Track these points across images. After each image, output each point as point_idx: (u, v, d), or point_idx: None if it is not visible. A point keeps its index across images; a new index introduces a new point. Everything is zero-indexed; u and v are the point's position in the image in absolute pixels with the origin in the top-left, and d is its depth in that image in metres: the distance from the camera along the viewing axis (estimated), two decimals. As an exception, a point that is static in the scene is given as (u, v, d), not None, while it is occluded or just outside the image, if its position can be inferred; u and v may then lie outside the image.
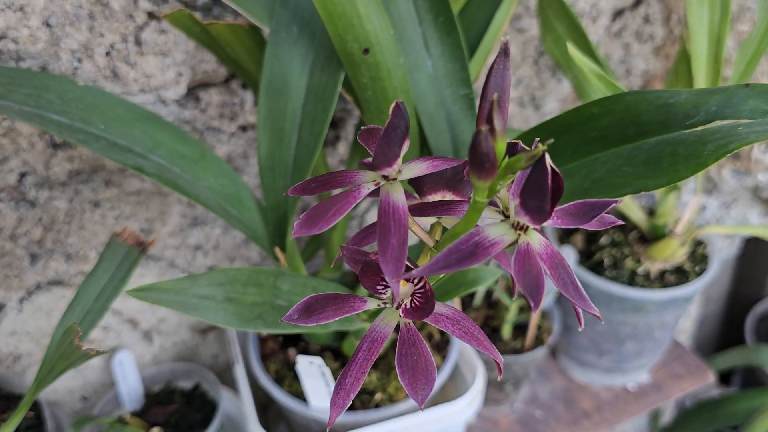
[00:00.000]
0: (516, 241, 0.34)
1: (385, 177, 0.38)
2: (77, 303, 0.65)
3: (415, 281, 0.41)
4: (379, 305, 0.43)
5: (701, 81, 0.80)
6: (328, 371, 0.68)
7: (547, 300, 0.93)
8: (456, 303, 0.90)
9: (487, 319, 0.92)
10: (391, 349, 0.78)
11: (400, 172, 0.38)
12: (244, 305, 0.56)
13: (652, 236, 0.90)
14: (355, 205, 0.37)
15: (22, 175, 0.72)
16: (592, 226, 0.41)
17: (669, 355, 1.06)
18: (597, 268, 0.91)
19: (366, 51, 0.59)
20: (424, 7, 0.62)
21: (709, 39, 0.80)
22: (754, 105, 0.41)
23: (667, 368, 1.04)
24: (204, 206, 0.63)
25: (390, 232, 0.36)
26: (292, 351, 0.78)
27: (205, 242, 0.86)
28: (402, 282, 0.41)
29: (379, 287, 0.42)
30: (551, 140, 0.32)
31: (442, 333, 0.81)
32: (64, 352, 0.57)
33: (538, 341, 0.90)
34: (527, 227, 0.35)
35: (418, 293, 0.41)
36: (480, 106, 0.35)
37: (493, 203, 0.39)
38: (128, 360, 0.83)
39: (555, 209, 0.36)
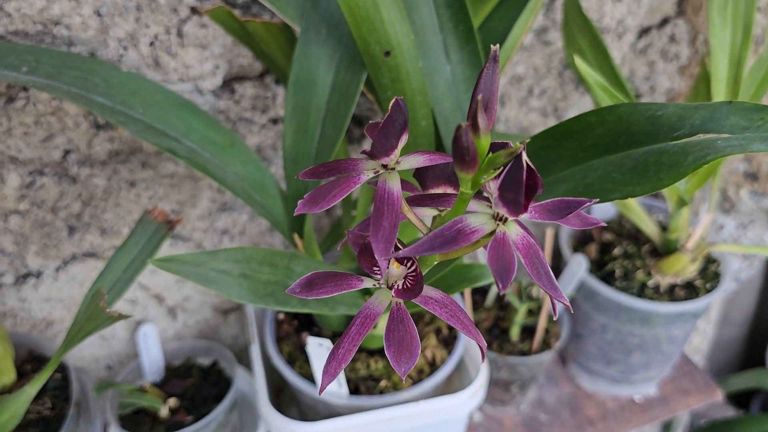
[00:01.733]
0: (494, 231, 0.38)
1: (384, 166, 0.42)
2: (108, 272, 0.70)
3: (408, 264, 0.44)
4: (374, 285, 0.46)
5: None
6: (335, 354, 0.72)
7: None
8: (468, 303, 0.93)
9: (498, 320, 0.95)
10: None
11: (398, 162, 0.42)
12: (258, 282, 0.61)
13: (665, 250, 0.92)
14: (354, 188, 0.41)
15: (66, 153, 0.77)
16: (574, 224, 0.44)
17: (678, 370, 1.08)
18: (608, 278, 0.93)
19: (387, 53, 0.63)
20: (445, 15, 0.66)
21: (730, 61, 0.82)
22: (734, 121, 0.44)
23: (675, 383, 1.06)
24: (230, 190, 0.68)
25: (383, 215, 0.40)
26: (305, 334, 0.82)
27: (232, 227, 0.90)
28: (396, 264, 0.45)
29: (375, 268, 0.45)
30: (528, 139, 0.35)
31: (450, 328, 0.84)
32: (91, 314, 0.62)
33: (546, 345, 0.92)
34: (506, 218, 0.38)
35: (410, 275, 0.45)
36: (470, 106, 0.39)
37: (485, 198, 0.42)
38: (152, 333, 0.88)
39: (534, 204, 0.39)
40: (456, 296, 0.87)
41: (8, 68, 0.64)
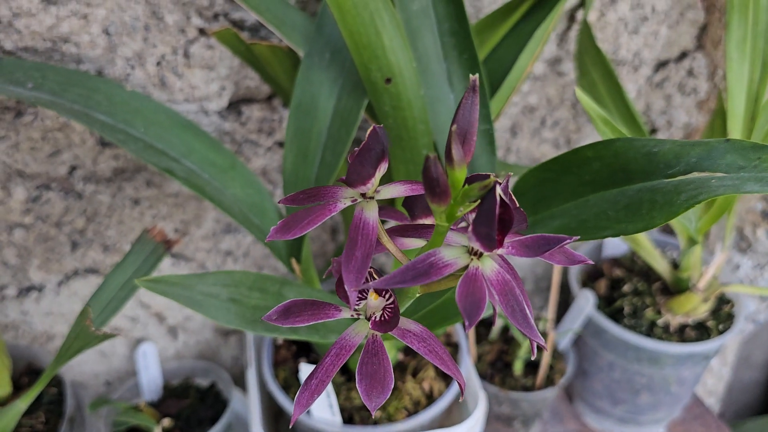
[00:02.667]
0: (468, 266, 0.37)
1: (363, 195, 0.41)
2: (104, 289, 0.70)
3: (386, 296, 0.43)
4: (352, 315, 0.45)
5: (736, 138, 0.80)
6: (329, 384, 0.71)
7: (563, 341, 0.93)
8: (470, 335, 0.91)
9: (501, 353, 0.93)
10: (397, 370, 0.80)
11: (378, 191, 0.41)
12: (247, 307, 0.60)
13: (676, 289, 0.90)
14: (329, 216, 0.40)
15: (73, 168, 0.78)
16: (559, 262, 0.43)
17: (689, 412, 1.04)
18: (616, 316, 0.91)
19: (388, 81, 0.63)
20: (450, 43, 0.65)
21: (747, 97, 0.80)
22: (731, 160, 0.42)
23: (685, 426, 1.02)
24: (226, 212, 0.67)
25: (356, 245, 0.39)
26: (301, 360, 0.81)
27: (236, 249, 0.90)
28: (374, 296, 0.44)
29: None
30: (511, 174, 0.34)
31: (450, 360, 0.83)
32: (80, 332, 0.62)
33: (550, 381, 0.90)
34: (481, 253, 0.37)
35: (388, 307, 0.43)
36: (448, 137, 0.38)
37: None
38: (151, 352, 0.87)
39: (512, 240, 0.38)
40: (458, 327, 0.85)
41: (14, 84, 0.65)
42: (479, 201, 0.36)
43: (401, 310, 0.49)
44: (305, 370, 0.71)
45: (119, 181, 0.80)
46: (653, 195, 0.45)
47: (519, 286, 0.39)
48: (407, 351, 0.82)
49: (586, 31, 0.81)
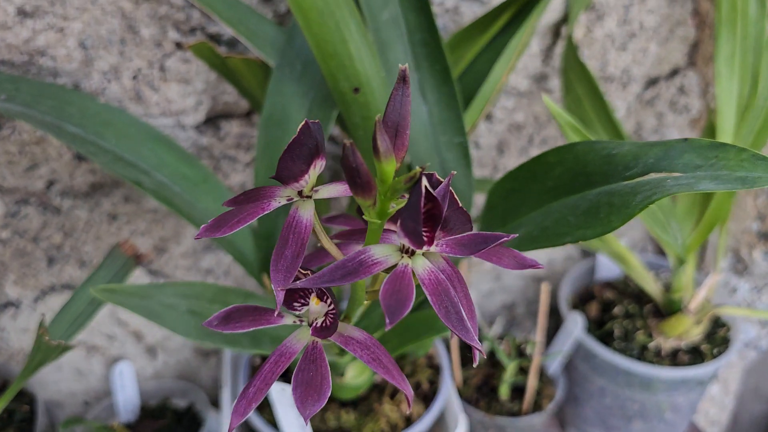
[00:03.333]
0: (397, 264, 0.35)
1: (300, 194, 0.39)
2: (72, 303, 0.69)
3: (327, 301, 0.41)
4: (294, 322, 0.44)
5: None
6: (298, 401, 0.69)
7: (553, 366, 0.90)
8: (455, 358, 0.89)
9: (488, 377, 0.90)
10: (374, 391, 0.78)
11: (316, 191, 0.40)
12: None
13: (668, 311, 0.87)
14: (260, 215, 0.38)
15: (50, 183, 0.77)
16: (508, 265, 0.41)
17: (688, 443, 1.00)
18: (607, 339, 0.88)
19: (356, 90, 0.62)
20: (422, 54, 0.65)
21: (737, 112, 0.78)
22: (688, 159, 0.40)
23: (684, 457, 0.98)
24: (196, 226, 0.66)
25: (287, 244, 0.37)
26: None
27: (217, 267, 0.89)
28: (315, 301, 0.42)
29: (296, 304, 0.43)
30: (428, 164, 0.33)
31: (431, 383, 0.80)
32: (39, 345, 0.60)
33: (538, 406, 0.87)
34: (413, 251, 0.35)
35: (330, 313, 0.42)
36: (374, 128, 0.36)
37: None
38: (128, 371, 0.86)
39: (448, 238, 0.36)
40: (441, 348, 0.83)
41: (-14, 95, 0.65)
42: (406, 197, 0.35)
43: (353, 320, 0.48)
44: (275, 387, 0.69)
45: (97, 196, 0.80)
46: (611, 198, 0.43)
47: (459, 287, 0.38)
48: (387, 372, 0.80)
49: (570, 46, 0.80)
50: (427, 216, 0.33)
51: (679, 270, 0.81)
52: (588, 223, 0.44)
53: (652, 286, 0.86)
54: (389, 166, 0.34)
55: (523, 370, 0.88)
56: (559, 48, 0.85)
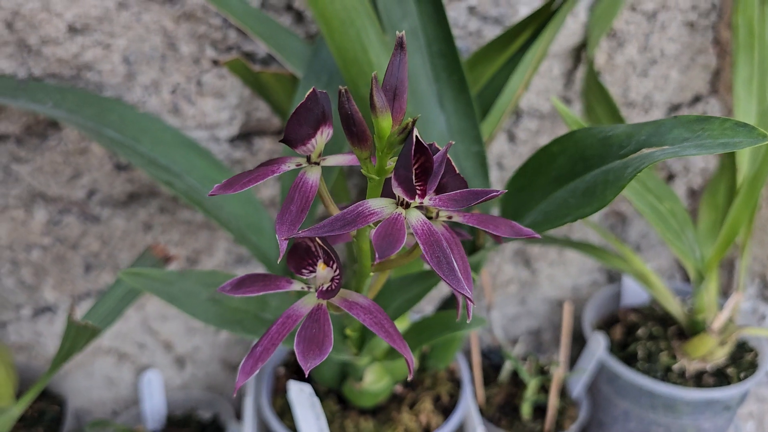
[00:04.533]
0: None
1: (308, 160, 0.42)
2: (105, 301, 0.72)
3: (333, 266, 0.44)
4: (303, 288, 0.46)
5: (743, 176, 0.78)
6: (317, 402, 0.70)
7: (576, 388, 0.90)
8: (477, 376, 0.89)
9: (510, 396, 0.89)
10: (394, 401, 0.79)
11: (323, 159, 0.43)
12: (227, 309, 0.61)
13: (691, 332, 0.86)
14: (271, 177, 0.41)
15: (91, 193, 0.82)
16: (504, 232, 0.43)
17: (720, 477, 0.97)
18: (630, 360, 0.87)
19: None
20: (440, 65, 0.68)
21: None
22: (677, 134, 0.42)
23: (715, 491, 0.95)
24: (224, 227, 0.70)
25: (293, 201, 0.40)
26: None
27: (246, 280, 0.92)
28: (322, 266, 0.44)
29: (304, 270, 0.45)
30: (419, 115, 0.35)
31: (451, 395, 0.81)
32: (68, 329, 0.63)
33: (560, 426, 0.86)
34: (408, 204, 0.38)
35: (336, 279, 0.44)
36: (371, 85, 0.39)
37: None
38: (156, 380, 0.88)
39: (442, 196, 0.39)
40: (462, 363, 0.83)
41: (35, 102, 0.70)
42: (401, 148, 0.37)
43: (363, 291, 0.50)
44: (294, 388, 0.71)
45: (134, 206, 0.84)
46: (606, 176, 0.45)
47: (456, 250, 0.40)
48: (405, 384, 0.81)
49: (590, 69, 0.82)
50: (419, 169, 0.36)
51: (700, 288, 0.81)
52: (586, 202, 0.46)
53: (675, 307, 0.86)
54: (386, 122, 0.37)
55: (546, 391, 0.88)
56: (580, 72, 0.88)
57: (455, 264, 0.37)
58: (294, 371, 0.84)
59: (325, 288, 0.43)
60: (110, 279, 0.86)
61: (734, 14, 0.82)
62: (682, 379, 0.84)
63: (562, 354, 0.88)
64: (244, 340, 0.95)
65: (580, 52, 0.86)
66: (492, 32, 0.81)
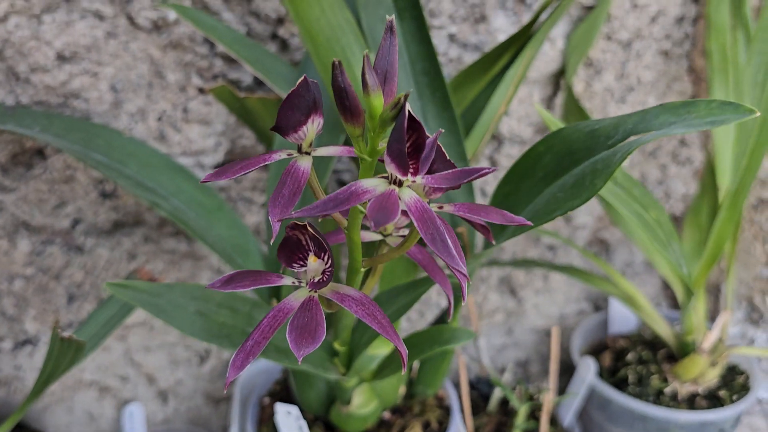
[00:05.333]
0: (386, 192, 0.37)
1: (299, 149, 0.42)
2: (88, 325, 0.70)
3: (324, 258, 0.43)
4: (294, 283, 0.45)
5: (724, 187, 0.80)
6: (304, 424, 0.68)
7: (567, 416, 0.88)
8: (466, 405, 0.87)
9: (500, 425, 0.88)
10: (382, 427, 0.77)
11: (314, 149, 0.43)
12: (214, 323, 0.60)
13: (681, 354, 0.86)
14: (262, 165, 0.41)
15: (76, 222, 0.81)
16: (496, 219, 0.43)
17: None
18: (621, 385, 0.86)
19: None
20: (423, 82, 0.69)
21: (734, 153, 0.81)
22: (664, 119, 0.43)
23: None
24: (210, 248, 0.69)
25: (285, 185, 0.40)
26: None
27: (231, 312, 0.90)
28: (313, 258, 0.44)
29: (295, 264, 0.45)
30: (410, 90, 0.36)
31: (440, 423, 0.79)
32: (52, 347, 0.62)
33: (552, 456, 0.84)
34: (401, 182, 0.38)
35: (327, 271, 0.43)
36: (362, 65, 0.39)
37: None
38: (139, 413, 0.86)
39: (435, 174, 0.39)
40: (451, 390, 0.82)
41: (24, 127, 0.70)
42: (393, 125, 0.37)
43: (357, 287, 0.49)
44: (281, 410, 0.69)
45: (118, 235, 0.83)
46: (594, 166, 0.46)
47: (446, 229, 0.40)
48: (394, 410, 0.79)
49: (569, 94, 0.84)
50: (412, 145, 0.36)
51: (688, 307, 0.81)
52: (575, 194, 0.47)
53: (664, 329, 0.86)
54: (377, 100, 0.37)
55: (536, 419, 0.87)
56: (560, 99, 0.90)
57: (449, 241, 0.37)
58: (279, 400, 0.82)
59: (316, 280, 0.43)
60: (93, 309, 0.84)
61: (707, 40, 0.85)
62: (675, 402, 0.83)
63: (551, 380, 0.87)
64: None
65: (558, 79, 0.89)
66: (472, 59, 0.84)
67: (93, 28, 0.74)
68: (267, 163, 0.42)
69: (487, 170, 0.38)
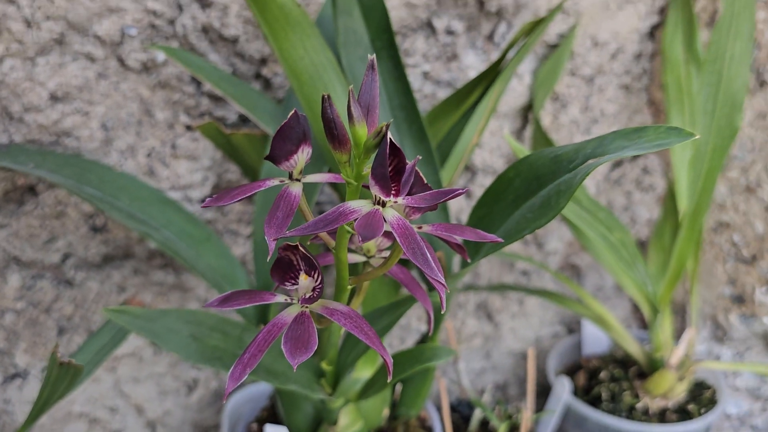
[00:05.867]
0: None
1: (290, 176, 0.46)
2: (82, 352, 0.73)
3: (315, 276, 0.47)
4: (286, 300, 0.49)
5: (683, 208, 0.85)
6: (293, 445, 0.71)
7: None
8: (447, 426, 0.90)
9: (481, 446, 0.91)
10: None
11: (304, 177, 0.47)
12: (207, 346, 0.63)
13: (651, 371, 0.90)
14: (256, 192, 0.45)
15: (66, 256, 0.84)
16: (470, 236, 0.47)
17: None
18: (595, 403, 0.90)
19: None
20: (401, 116, 0.74)
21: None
22: (618, 144, 0.48)
23: None
24: (201, 277, 0.73)
25: (279, 208, 0.44)
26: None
27: (218, 342, 0.93)
28: (304, 276, 0.48)
29: (287, 283, 0.48)
30: (391, 120, 0.40)
31: (421, 442, 0.82)
32: (50, 370, 0.64)
33: (532, 473, 0.87)
34: (384, 203, 0.42)
35: (317, 288, 0.47)
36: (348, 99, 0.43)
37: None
38: (128, 444, 0.87)
39: (414, 195, 0.43)
40: (433, 412, 0.85)
41: (17, 163, 0.74)
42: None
43: (347, 303, 0.53)
44: (271, 431, 0.72)
45: (108, 268, 0.86)
46: (558, 187, 0.50)
47: (424, 242, 0.44)
48: (379, 431, 0.82)
49: (537, 125, 0.89)
50: (393, 169, 0.40)
51: (655, 325, 0.86)
52: (542, 213, 0.51)
53: (634, 347, 0.90)
54: (362, 130, 0.41)
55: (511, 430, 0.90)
56: (528, 131, 0.95)
57: (428, 255, 0.41)
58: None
59: (307, 296, 0.47)
60: (83, 341, 0.86)
61: (664, 74, 0.91)
62: (646, 416, 0.87)
63: (529, 400, 0.91)
64: (217, 403, 0.95)
65: (527, 113, 0.94)
66: (445, 94, 0.89)
67: (85, 69, 0.78)
68: (262, 189, 0.45)
69: (460, 191, 0.42)
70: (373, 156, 0.42)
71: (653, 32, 0.98)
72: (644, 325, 1.09)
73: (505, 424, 0.87)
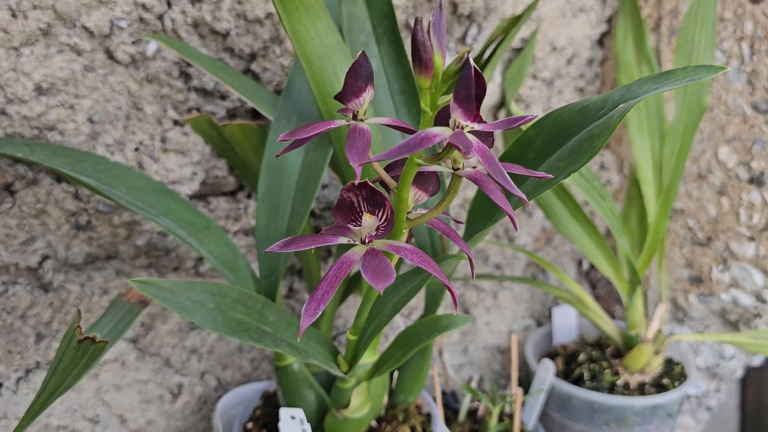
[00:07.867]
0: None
1: (354, 117, 0.48)
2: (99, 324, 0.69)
3: (379, 215, 0.48)
4: (348, 241, 0.50)
5: (651, 200, 0.92)
6: (308, 427, 0.70)
7: (531, 420, 0.94)
8: (440, 414, 0.91)
9: (473, 433, 0.92)
10: (385, 423, 0.79)
11: (366, 118, 0.49)
12: (232, 318, 0.62)
13: (627, 348, 0.95)
14: (327, 129, 0.46)
15: (44, 258, 0.80)
16: (520, 171, 0.50)
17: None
18: (578, 383, 0.94)
19: (351, 125, 0.72)
20: (400, 101, 0.76)
21: (653, 164, 0.93)
22: (647, 87, 0.52)
23: None
24: (207, 259, 0.72)
25: (356, 140, 0.45)
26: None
27: (201, 346, 0.90)
28: (368, 216, 0.49)
29: (350, 224, 0.49)
30: (470, 48, 0.43)
31: (424, 428, 0.82)
32: (57, 360, 0.60)
33: (524, 455, 0.89)
34: (463, 128, 0.44)
35: (381, 226, 0.48)
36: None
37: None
38: (112, 456, 0.83)
39: (488, 123, 0.46)
40: (428, 398, 0.86)
41: (4, 152, 0.71)
42: (457, 78, 0.44)
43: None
44: (285, 415, 0.70)
45: (90, 270, 0.82)
46: (590, 132, 0.54)
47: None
48: (379, 420, 0.82)
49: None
50: (475, 93, 0.43)
51: (631, 303, 0.91)
52: (574, 159, 0.54)
53: (611, 326, 0.95)
54: (439, 58, 0.44)
55: (503, 422, 0.92)
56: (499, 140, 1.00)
57: (505, 172, 0.43)
58: (263, 425, 0.83)
59: (373, 234, 0.48)
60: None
61: (618, 75, 0.98)
62: (628, 391, 0.91)
63: (514, 385, 0.93)
64: (202, 410, 0.92)
65: (498, 111, 0.99)
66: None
67: (71, 61, 0.77)
68: (330, 127, 0.47)
69: (530, 117, 0.45)
70: (450, 84, 0.44)
71: (602, 40, 1.06)
72: (612, 313, 1.15)
73: (498, 406, 0.89)
